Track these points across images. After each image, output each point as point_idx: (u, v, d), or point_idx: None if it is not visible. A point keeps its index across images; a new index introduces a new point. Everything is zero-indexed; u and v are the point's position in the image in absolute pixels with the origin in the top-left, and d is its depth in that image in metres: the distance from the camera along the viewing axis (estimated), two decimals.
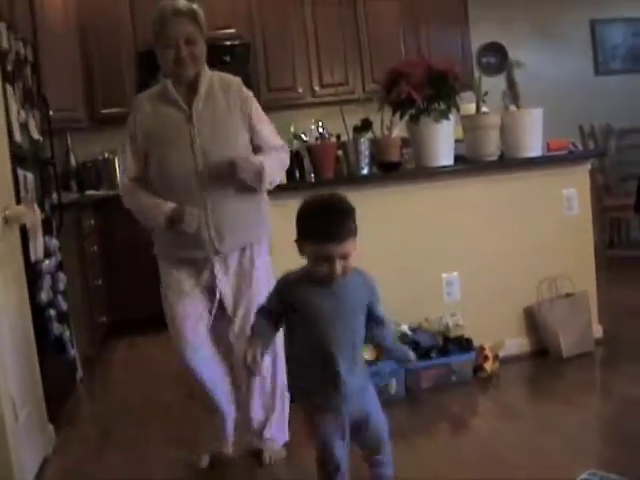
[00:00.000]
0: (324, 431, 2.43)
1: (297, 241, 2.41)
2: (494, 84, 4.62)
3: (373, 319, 2.51)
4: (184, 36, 3.04)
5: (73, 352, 4.69)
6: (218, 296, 3.22)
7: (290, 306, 2.41)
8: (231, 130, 3.14)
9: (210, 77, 3.17)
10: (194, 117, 3.09)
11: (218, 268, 3.20)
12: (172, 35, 3.03)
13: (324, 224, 2.31)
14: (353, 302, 2.43)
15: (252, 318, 3.01)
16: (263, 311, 2.50)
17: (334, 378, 2.38)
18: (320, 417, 2.43)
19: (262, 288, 3.16)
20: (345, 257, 2.31)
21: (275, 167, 3.22)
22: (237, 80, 3.24)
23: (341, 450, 2.45)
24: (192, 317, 3.22)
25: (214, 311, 3.26)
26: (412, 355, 2.64)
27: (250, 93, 3.24)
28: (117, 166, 6.64)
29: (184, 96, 3.13)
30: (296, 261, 4.12)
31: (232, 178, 3.06)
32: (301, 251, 2.40)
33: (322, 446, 2.45)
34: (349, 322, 2.41)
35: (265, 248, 3.33)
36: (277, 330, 2.52)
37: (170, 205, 3.07)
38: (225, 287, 3.22)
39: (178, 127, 3.10)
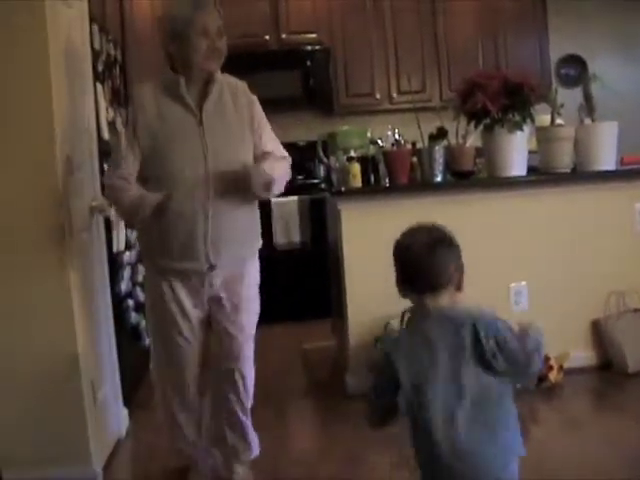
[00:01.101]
0: None
1: None
2: (572, 96, 4.63)
3: None
4: (216, 28, 2.89)
5: (148, 341, 4.85)
6: (206, 309, 3.08)
7: None
8: (240, 135, 3.01)
9: (221, 80, 3.00)
10: (204, 120, 2.93)
11: (208, 282, 3.01)
12: (208, 24, 2.87)
13: None
14: None
15: (248, 334, 3.12)
16: None
17: None
18: None
19: (251, 305, 3.13)
20: None
21: (282, 178, 3.07)
22: (243, 84, 3.10)
23: None
24: (184, 339, 3.08)
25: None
26: None
27: (255, 98, 3.11)
28: None
29: (194, 97, 2.95)
30: (366, 261, 4.22)
31: (244, 189, 2.93)
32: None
33: None
34: None
35: (255, 264, 3.17)
36: None
37: (157, 195, 2.87)
38: (215, 301, 3.06)
39: (188, 129, 2.93)
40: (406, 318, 2.18)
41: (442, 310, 2.10)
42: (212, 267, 2.97)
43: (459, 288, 2.16)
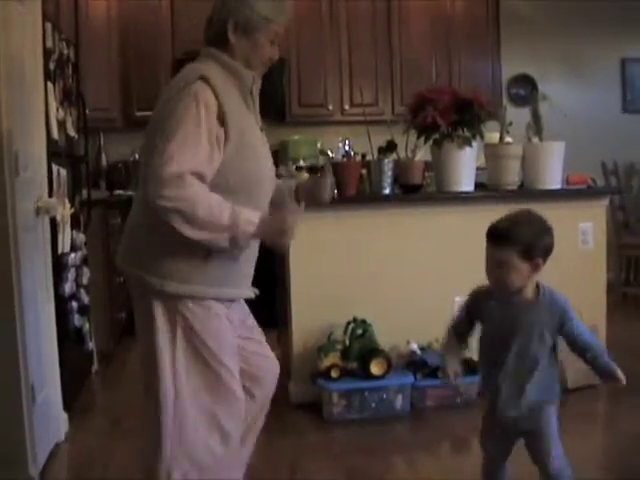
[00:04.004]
0: (483, 428, 2.73)
1: None
2: (521, 115, 4.70)
3: (572, 346, 2.56)
4: (281, 37, 2.52)
5: (91, 345, 4.82)
6: None
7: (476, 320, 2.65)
8: None
9: None
10: (261, 124, 2.55)
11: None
12: (280, 33, 2.49)
13: (493, 225, 2.53)
14: (529, 327, 2.51)
15: None
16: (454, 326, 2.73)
17: (493, 387, 2.57)
18: (484, 415, 2.73)
19: None
20: (499, 265, 2.46)
21: None
22: None
23: (491, 445, 2.70)
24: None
25: None
26: (619, 375, 2.53)
27: None
28: None
29: None
30: (312, 271, 4.23)
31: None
32: None
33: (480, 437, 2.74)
34: (519, 345, 2.51)
35: None
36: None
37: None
38: None
39: (257, 132, 2.48)
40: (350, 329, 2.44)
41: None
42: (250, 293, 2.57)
43: (536, 269, 2.47)
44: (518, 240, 2.43)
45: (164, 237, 2.27)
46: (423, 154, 4.45)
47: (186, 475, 2.35)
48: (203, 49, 2.47)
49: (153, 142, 2.22)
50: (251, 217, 2.25)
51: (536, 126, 4.52)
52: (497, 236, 2.48)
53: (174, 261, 2.30)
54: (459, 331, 2.70)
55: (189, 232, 2.19)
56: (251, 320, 2.68)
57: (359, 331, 4.11)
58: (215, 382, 2.37)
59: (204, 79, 2.27)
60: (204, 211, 2.18)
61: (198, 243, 2.23)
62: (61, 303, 3.98)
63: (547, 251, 2.48)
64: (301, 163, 4.63)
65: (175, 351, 2.33)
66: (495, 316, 2.55)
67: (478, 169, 4.44)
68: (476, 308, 2.64)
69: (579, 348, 2.54)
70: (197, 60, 2.45)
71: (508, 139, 4.56)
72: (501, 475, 2.72)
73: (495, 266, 2.47)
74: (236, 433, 2.45)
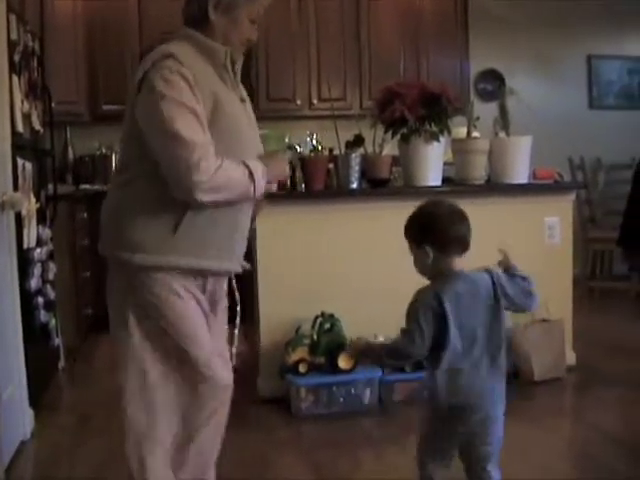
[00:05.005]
0: None
1: None
2: (489, 110, 4.72)
3: None
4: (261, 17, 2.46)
5: (57, 341, 4.77)
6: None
7: None
8: None
9: None
10: (244, 98, 2.51)
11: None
12: (261, 12, 2.42)
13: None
14: None
15: None
16: None
17: None
18: None
19: None
20: None
21: None
22: None
23: None
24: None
25: None
26: None
27: None
28: (114, 162, 6.71)
29: None
30: (279, 266, 4.22)
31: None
32: None
33: None
34: None
35: None
36: None
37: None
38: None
39: (237, 105, 2.43)
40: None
41: (463, 271, 2.43)
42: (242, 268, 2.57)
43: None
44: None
45: (135, 210, 2.29)
46: (391, 149, 4.46)
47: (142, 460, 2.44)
48: (181, 29, 2.42)
49: (152, 132, 2.22)
50: (258, 166, 2.32)
51: (503, 121, 4.55)
52: None
53: (144, 232, 2.28)
54: None
55: (223, 199, 2.26)
56: (222, 309, 2.70)
57: (327, 325, 4.11)
58: (182, 357, 2.41)
59: (171, 56, 2.25)
60: (230, 180, 2.24)
61: (170, 212, 2.26)
62: (27, 299, 3.94)
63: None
64: None
65: (144, 332, 2.41)
66: None
67: (445, 164, 4.45)
68: None
69: None
70: (169, 41, 2.39)
71: (475, 134, 4.58)
72: None
73: None
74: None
